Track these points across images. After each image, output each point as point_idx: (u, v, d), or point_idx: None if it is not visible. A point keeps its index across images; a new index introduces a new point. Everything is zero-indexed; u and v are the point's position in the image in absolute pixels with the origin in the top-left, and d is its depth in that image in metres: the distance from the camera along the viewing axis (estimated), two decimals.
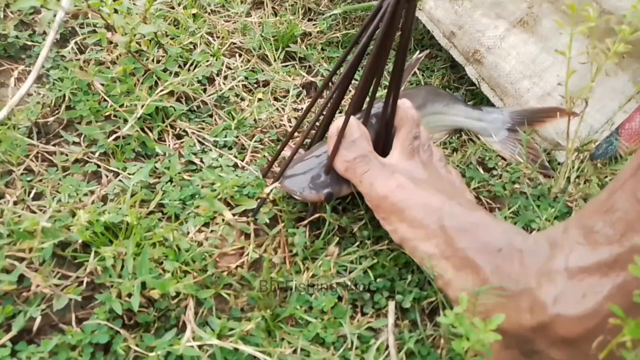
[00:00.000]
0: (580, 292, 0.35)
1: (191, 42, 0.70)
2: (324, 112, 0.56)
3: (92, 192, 0.54)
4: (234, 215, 0.54)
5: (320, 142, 0.57)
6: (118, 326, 0.44)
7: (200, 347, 0.44)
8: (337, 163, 0.51)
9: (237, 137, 0.63)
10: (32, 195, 0.52)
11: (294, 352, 0.46)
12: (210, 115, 0.65)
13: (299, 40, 0.77)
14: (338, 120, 0.51)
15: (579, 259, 0.36)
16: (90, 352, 0.43)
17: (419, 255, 0.46)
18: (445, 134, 0.69)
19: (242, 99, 0.68)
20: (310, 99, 0.61)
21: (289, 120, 0.66)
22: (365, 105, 0.55)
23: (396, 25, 0.48)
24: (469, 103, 0.73)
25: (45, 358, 0.42)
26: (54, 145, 0.57)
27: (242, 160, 0.61)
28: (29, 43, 0.65)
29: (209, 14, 0.76)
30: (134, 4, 0.68)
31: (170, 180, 0.56)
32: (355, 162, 0.50)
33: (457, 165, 0.66)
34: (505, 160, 0.68)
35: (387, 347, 0.46)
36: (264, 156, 0.62)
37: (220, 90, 0.67)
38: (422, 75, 0.77)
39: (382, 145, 0.55)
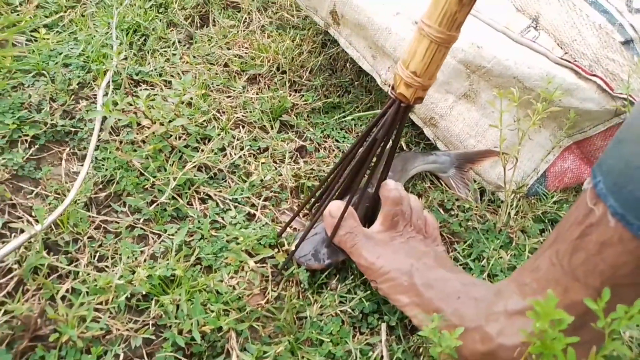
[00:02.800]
0: (516, 328, 0.52)
1: (204, 120, 0.86)
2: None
3: (142, 252, 0.68)
4: (255, 262, 0.70)
5: (319, 219, 0.73)
6: (180, 356, 0.59)
7: None
8: (333, 239, 0.68)
9: (248, 196, 0.79)
10: (96, 257, 0.66)
11: None
12: (225, 180, 0.81)
13: (289, 110, 0.94)
14: (330, 204, 0.68)
15: (514, 305, 0.53)
16: None
17: (399, 305, 0.63)
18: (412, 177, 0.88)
19: (249, 164, 0.84)
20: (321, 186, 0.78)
21: (289, 179, 0.83)
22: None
23: (393, 130, 0.66)
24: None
25: None
26: (105, 215, 0.72)
27: (254, 216, 0.77)
28: (72, 129, 0.80)
29: (215, 92, 0.93)
30: (158, 94, 0.84)
31: (202, 237, 0.71)
32: (345, 237, 0.67)
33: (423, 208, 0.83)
34: (459, 200, 0.87)
35: (382, 357, 0.63)
36: (271, 210, 0.78)
37: (232, 158, 0.83)
38: None
39: (371, 215, 0.72)
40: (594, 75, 0.81)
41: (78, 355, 0.57)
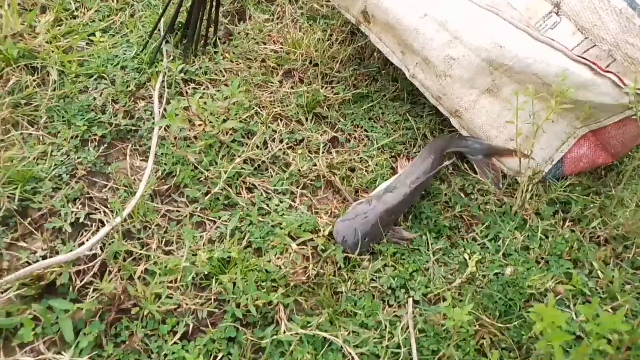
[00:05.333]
0: None
1: (247, 116, 0.95)
2: None
3: (201, 237, 0.79)
4: (297, 245, 0.80)
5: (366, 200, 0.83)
6: (239, 325, 0.71)
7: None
8: None
9: (288, 186, 0.89)
10: (163, 242, 0.78)
11: (348, 334, 0.72)
12: (267, 170, 0.91)
13: (321, 103, 1.02)
14: None
15: None
16: (225, 343, 0.69)
17: None
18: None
19: (287, 155, 0.93)
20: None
21: (325, 167, 0.92)
22: None
23: None
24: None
25: (201, 349, 0.68)
26: (167, 204, 0.83)
27: (294, 202, 0.87)
28: (133, 127, 0.90)
29: (254, 88, 1.01)
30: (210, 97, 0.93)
31: (251, 223, 0.82)
32: None
33: (445, 193, 0.92)
34: (479, 183, 0.95)
35: (408, 327, 0.73)
36: (308, 197, 0.88)
37: (272, 151, 0.93)
38: (414, 121, 1.03)
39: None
40: (609, 71, 0.87)
41: (156, 325, 0.69)
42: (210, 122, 0.85)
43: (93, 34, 1.01)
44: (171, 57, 1.00)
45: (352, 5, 0.98)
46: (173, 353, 0.67)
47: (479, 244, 0.86)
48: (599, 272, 0.83)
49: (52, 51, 0.95)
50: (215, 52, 1.05)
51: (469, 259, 0.82)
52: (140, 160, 0.88)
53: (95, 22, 1.05)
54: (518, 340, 0.74)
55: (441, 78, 0.93)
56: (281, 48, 1.10)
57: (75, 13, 1.06)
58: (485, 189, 0.94)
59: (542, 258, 0.84)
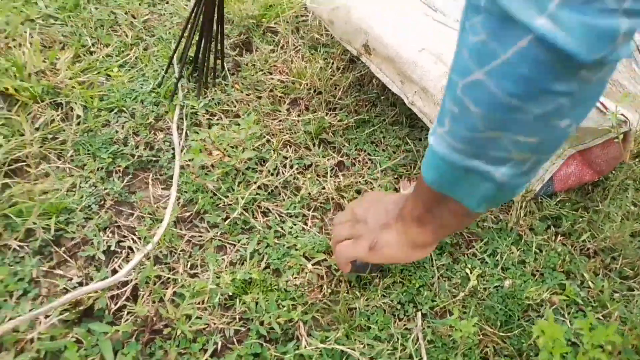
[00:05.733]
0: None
1: (259, 144, 1.02)
2: None
3: (223, 260, 0.85)
4: (312, 265, 0.87)
5: None
6: (263, 342, 0.77)
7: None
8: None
9: (301, 208, 0.95)
10: (189, 266, 0.84)
11: (364, 347, 0.79)
12: (280, 195, 0.97)
13: (327, 129, 1.09)
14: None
15: None
16: (251, 359, 0.75)
17: None
18: None
19: (298, 180, 1.00)
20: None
21: (334, 190, 0.99)
22: None
23: None
24: None
25: None
26: (190, 230, 0.89)
27: (306, 224, 0.94)
28: (153, 158, 0.97)
29: (264, 117, 1.08)
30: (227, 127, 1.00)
31: (268, 245, 0.88)
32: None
33: None
34: None
35: (418, 338, 0.80)
36: (319, 219, 0.95)
37: (284, 176, 0.99)
38: (414, 144, 1.10)
39: None
40: None
41: (188, 344, 0.75)
42: (228, 152, 0.92)
43: (111, 69, 1.07)
44: (185, 91, 1.07)
45: (354, 40, 1.06)
46: None
47: (479, 259, 0.93)
48: (589, 282, 0.91)
49: (74, 87, 1.01)
50: (226, 84, 1.12)
51: (471, 273, 0.89)
52: (162, 188, 0.94)
53: (112, 57, 1.11)
54: (519, 347, 0.81)
55: (438, 105, 1.00)
56: (287, 78, 1.17)
57: (92, 49, 1.12)
58: None
59: (537, 271, 0.92)
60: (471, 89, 0.46)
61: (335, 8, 1.03)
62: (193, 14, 1.01)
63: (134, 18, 1.20)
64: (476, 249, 0.94)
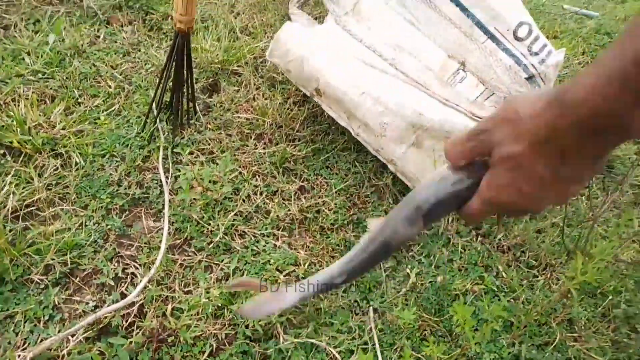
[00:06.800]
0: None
1: (233, 176, 1.21)
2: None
3: (211, 277, 1.05)
4: (284, 276, 1.07)
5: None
6: (249, 341, 0.96)
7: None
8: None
9: (271, 229, 1.15)
10: (183, 284, 1.02)
11: (329, 339, 1.00)
12: (254, 219, 1.17)
13: (288, 159, 1.30)
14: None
15: None
16: (241, 356, 0.95)
17: None
18: None
19: (267, 204, 1.20)
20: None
21: (297, 212, 1.19)
22: None
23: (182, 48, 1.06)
24: None
25: None
26: (180, 254, 1.07)
27: (277, 242, 1.14)
28: (144, 195, 1.14)
29: (235, 151, 1.28)
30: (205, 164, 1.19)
31: (247, 262, 1.08)
32: None
33: None
34: None
35: (371, 328, 1.02)
36: (287, 237, 1.15)
37: (255, 202, 1.19)
38: (361, 167, 1.32)
39: None
40: None
41: (189, 348, 0.94)
42: (209, 187, 1.11)
43: (99, 118, 1.24)
44: (166, 133, 1.25)
45: (307, 84, 1.27)
46: None
47: (417, 260, 1.15)
48: (503, 273, 1.15)
49: (70, 137, 1.17)
50: (200, 125, 1.31)
51: (411, 272, 1.11)
52: (153, 220, 1.12)
53: (99, 107, 1.28)
54: (449, 328, 1.04)
55: (378, 137, 1.22)
56: (252, 115, 1.37)
57: (80, 100, 1.28)
58: None
59: (462, 267, 1.15)
60: None
61: (291, 60, 1.24)
62: (166, 67, 1.18)
63: (114, 69, 1.37)
64: (415, 252, 1.17)
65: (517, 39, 1.47)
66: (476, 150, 0.47)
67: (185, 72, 1.22)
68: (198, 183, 1.11)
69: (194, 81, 1.30)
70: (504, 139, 0.43)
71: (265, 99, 1.42)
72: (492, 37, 1.44)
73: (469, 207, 0.48)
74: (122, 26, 1.51)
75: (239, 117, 1.36)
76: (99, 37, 1.45)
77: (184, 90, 1.24)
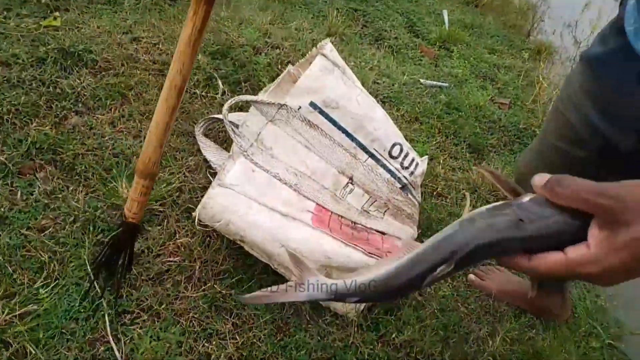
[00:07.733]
0: None
1: (181, 339, 1.41)
2: None
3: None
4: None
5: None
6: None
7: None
8: None
9: None
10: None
11: None
12: None
13: (218, 297, 1.51)
14: None
15: None
16: None
17: None
18: None
19: (206, 347, 1.42)
20: None
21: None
22: None
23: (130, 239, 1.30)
24: None
25: None
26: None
27: None
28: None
29: (174, 299, 1.46)
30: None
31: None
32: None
33: None
34: None
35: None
36: None
37: (197, 349, 1.40)
38: None
39: None
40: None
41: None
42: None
43: (39, 295, 1.34)
44: (107, 300, 1.39)
45: (233, 237, 1.48)
46: None
47: None
48: None
49: (17, 325, 1.27)
50: (135, 277, 1.46)
51: None
52: None
53: (35, 281, 1.37)
54: None
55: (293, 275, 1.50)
56: (179, 258, 1.55)
57: (15, 276, 1.36)
58: None
59: None
60: None
61: (218, 222, 1.44)
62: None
63: (41, 233, 1.45)
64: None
65: (391, 157, 1.83)
66: (598, 207, 0.48)
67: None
68: (152, 357, 1.29)
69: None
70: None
71: (186, 233, 1.60)
72: (372, 156, 1.78)
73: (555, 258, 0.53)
74: (34, 174, 1.57)
75: (168, 262, 1.53)
76: (16, 195, 1.50)
77: (122, 255, 1.39)
